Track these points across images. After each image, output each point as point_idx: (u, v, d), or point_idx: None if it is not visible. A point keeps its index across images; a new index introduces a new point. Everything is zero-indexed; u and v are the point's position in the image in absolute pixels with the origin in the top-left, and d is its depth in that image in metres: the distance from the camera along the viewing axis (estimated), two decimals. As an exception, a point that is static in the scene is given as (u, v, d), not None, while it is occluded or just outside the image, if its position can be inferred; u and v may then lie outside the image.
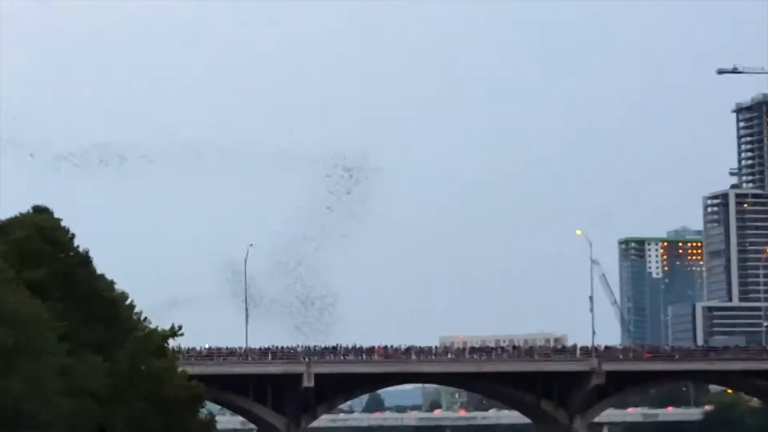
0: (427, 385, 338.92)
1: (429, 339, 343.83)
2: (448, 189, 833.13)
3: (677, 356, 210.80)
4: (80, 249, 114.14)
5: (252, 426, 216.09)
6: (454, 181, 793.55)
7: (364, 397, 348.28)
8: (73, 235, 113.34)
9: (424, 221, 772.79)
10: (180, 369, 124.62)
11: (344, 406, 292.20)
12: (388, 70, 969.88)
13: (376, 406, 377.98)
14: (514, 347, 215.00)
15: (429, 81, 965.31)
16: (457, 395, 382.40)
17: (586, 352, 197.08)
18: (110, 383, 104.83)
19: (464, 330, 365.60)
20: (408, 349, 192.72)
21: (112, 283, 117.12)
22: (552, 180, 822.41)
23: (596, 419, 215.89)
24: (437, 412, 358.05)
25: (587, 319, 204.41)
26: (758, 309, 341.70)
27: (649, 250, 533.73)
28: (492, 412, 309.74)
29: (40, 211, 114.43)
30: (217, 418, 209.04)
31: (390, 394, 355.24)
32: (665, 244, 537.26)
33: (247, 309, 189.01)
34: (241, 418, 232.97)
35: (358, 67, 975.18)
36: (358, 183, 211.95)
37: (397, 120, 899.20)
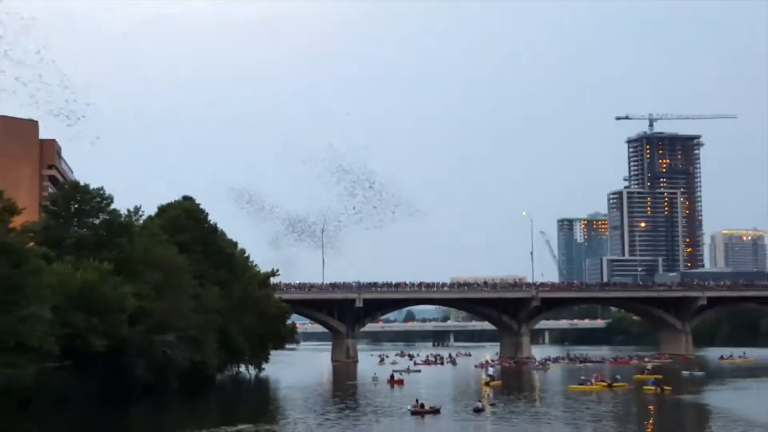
0: (441, 307, 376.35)
1: (442, 277, 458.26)
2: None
3: (587, 288, 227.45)
4: (210, 222, 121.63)
5: (325, 330, 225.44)
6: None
7: (404, 312, 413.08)
8: (207, 214, 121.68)
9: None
10: (277, 296, 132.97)
11: (390, 316, 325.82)
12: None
13: (410, 317, 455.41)
14: (485, 283, 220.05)
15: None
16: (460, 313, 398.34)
17: (530, 285, 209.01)
18: (228, 305, 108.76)
19: (468, 272, 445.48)
20: (420, 284, 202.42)
21: (235, 244, 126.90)
22: (507, 169, 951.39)
23: (536, 327, 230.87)
24: (447, 322, 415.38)
25: (537, 266, 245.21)
26: (636, 261, 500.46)
27: (576, 225, 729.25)
28: (475, 322, 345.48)
29: (186, 198, 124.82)
30: (305, 326, 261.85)
31: (418, 310, 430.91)
32: (585, 221, 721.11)
33: (324, 260, 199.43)
34: (319, 326, 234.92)
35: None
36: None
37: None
